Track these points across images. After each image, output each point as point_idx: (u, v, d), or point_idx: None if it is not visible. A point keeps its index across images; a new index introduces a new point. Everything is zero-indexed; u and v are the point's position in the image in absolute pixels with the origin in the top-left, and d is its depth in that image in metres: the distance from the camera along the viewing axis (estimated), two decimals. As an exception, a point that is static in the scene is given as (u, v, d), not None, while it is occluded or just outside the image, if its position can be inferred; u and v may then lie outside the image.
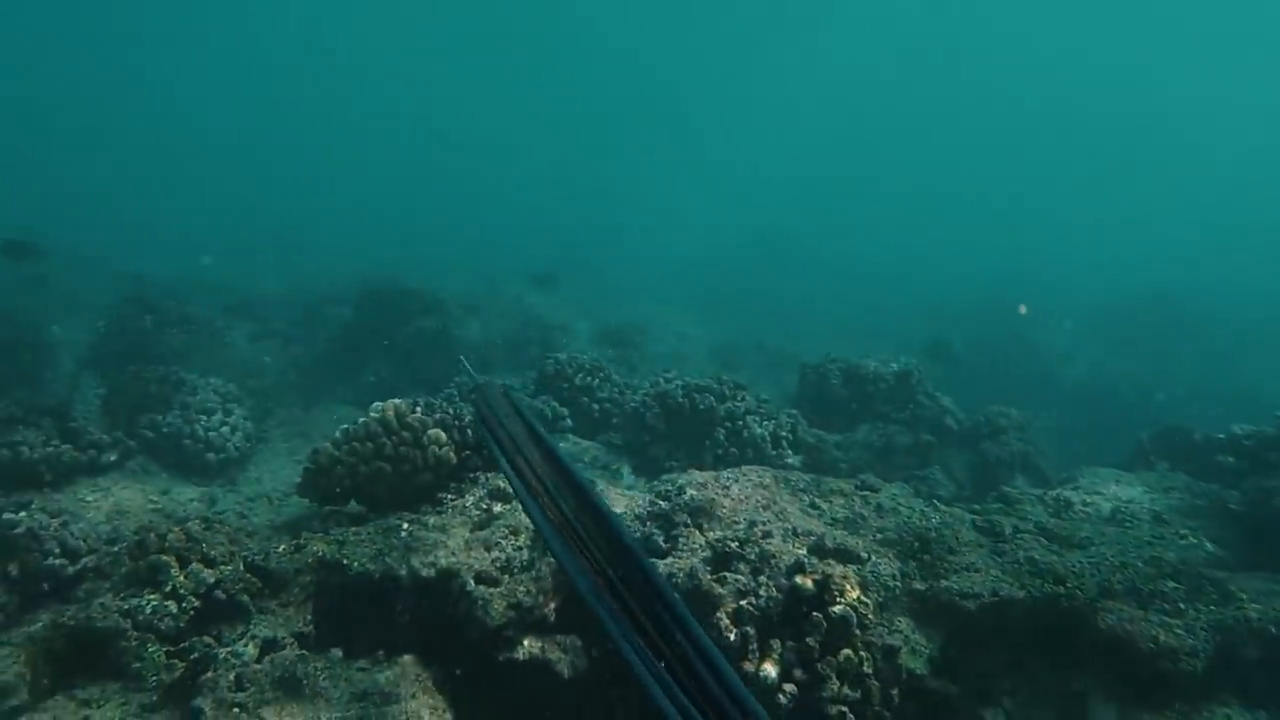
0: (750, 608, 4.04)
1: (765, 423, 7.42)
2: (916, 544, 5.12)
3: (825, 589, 4.01)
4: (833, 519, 5.31)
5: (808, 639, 3.87)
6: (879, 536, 5.18)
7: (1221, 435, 6.67)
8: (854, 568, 4.68)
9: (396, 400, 6.08)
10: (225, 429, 8.09)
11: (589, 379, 8.04)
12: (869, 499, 5.57)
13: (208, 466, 7.82)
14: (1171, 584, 4.93)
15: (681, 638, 2.16)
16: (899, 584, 4.77)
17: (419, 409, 6.00)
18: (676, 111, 62.46)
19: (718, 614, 4.02)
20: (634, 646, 2.24)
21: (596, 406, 7.80)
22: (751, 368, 14.74)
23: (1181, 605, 4.76)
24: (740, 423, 7.34)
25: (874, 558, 4.86)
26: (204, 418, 8.04)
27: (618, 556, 2.49)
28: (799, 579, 4.06)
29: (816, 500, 5.51)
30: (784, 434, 7.40)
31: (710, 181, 52.77)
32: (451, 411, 6.12)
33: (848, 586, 4.03)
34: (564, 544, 2.67)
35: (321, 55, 60.20)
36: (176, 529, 4.65)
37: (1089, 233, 40.65)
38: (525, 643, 4.43)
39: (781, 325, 18.50)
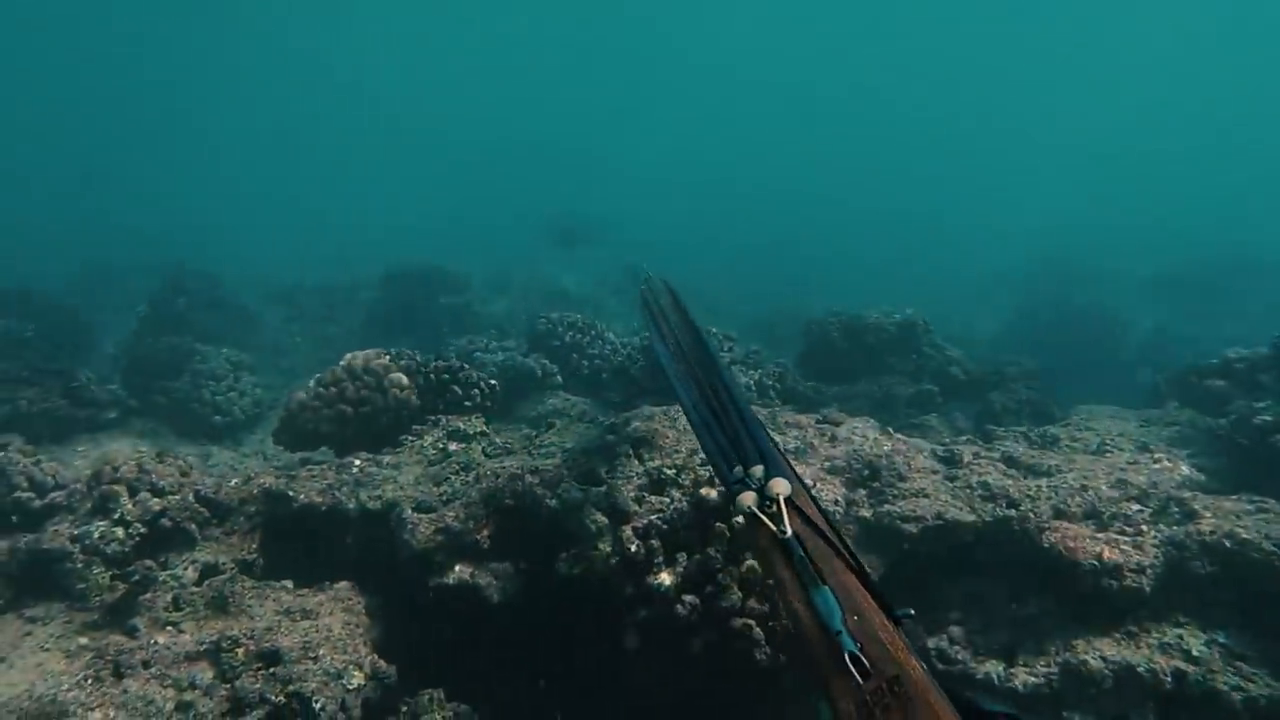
0: (659, 522, 3.99)
1: (751, 372, 7.30)
2: (866, 471, 4.97)
3: (731, 499, 3.93)
4: (784, 450, 5.19)
5: (710, 549, 3.81)
6: (826, 464, 5.05)
7: (1214, 360, 6.28)
8: (794, 493, 4.58)
9: (368, 350, 6.21)
10: (233, 394, 8.39)
11: (579, 336, 8.03)
12: (825, 431, 5.44)
13: (214, 429, 8.12)
14: (1135, 506, 4.67)
15: (729, 404, 3.25)
16: (840, 509, 4.66)
17: (387, 357, 6.11)
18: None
19: (623, 528, 3.99)
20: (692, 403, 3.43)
21: (586, 363, 7.79)
22: (786, 336, 14.53)
23: (1144, 527, 4.51)
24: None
25: (816, 484, 4.76)
26: (213, 383, 8.35)
27: (705, 364, 3.59)
28: (704, 491, 4.00)
29: (770, 433, 5.39)
30: (771, 383, 7.27)
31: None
32: (419, 359, 6.21)
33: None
34: (675, 364, 3.75)
35: (334, 54, 60.47)
36: (130, 462, 4.84)
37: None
38: (456, 568, 4.47)
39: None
